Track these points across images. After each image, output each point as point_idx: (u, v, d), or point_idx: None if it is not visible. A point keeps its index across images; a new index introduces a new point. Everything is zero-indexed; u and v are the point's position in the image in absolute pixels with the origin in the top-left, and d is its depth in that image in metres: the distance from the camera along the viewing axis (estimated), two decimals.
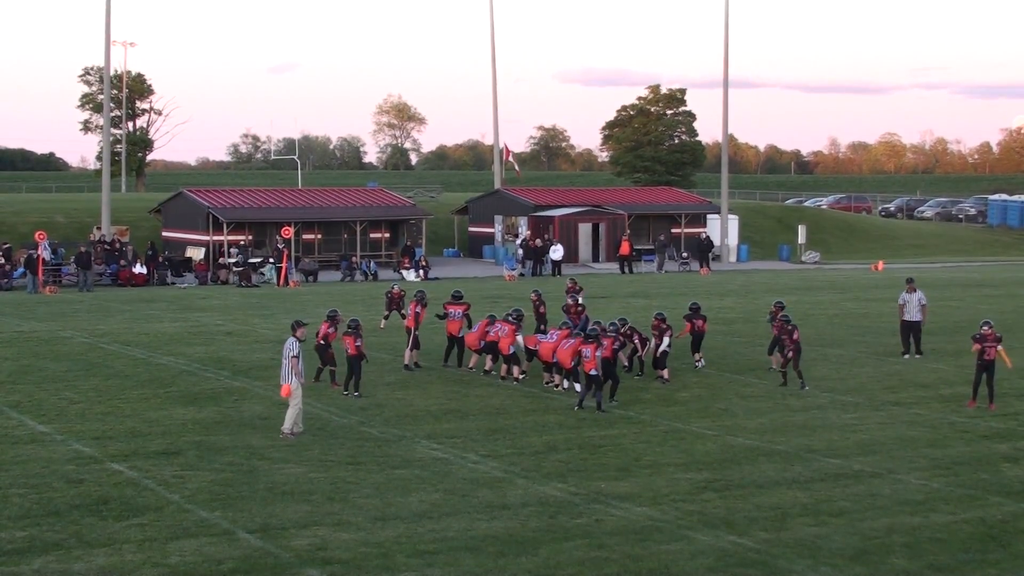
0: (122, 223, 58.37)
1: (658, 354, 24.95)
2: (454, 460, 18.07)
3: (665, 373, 24.84)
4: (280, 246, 51.54)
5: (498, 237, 64.04)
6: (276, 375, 24.93)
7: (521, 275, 54.80)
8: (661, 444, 19.32)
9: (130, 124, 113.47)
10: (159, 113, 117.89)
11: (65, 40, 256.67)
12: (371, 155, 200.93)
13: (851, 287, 48.60)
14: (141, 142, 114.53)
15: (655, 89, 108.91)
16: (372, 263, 54.53)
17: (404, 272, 53.40)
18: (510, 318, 24.80)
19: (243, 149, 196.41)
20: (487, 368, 25.40)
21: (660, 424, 20.87)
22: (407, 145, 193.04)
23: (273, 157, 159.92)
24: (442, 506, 15.48)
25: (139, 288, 47.95)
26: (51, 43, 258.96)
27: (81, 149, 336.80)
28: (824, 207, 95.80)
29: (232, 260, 52.08)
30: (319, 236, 57.93)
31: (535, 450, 18.80)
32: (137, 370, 25.86)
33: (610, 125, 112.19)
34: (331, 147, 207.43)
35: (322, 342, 23.55)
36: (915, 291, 28.88)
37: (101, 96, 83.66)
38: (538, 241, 57.35)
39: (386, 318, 29.61)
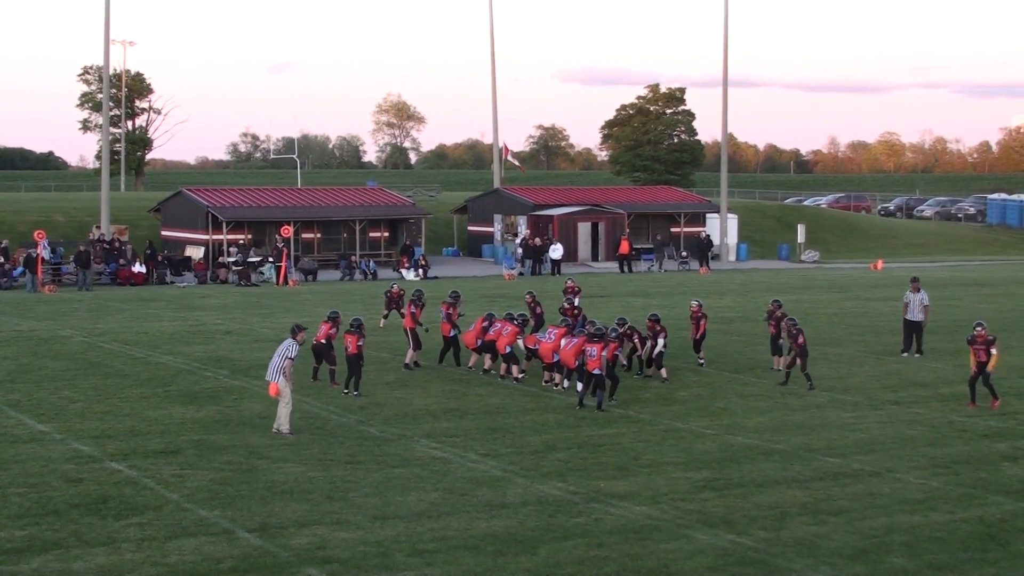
0: (121, 222, 58.38)
1: (654, 355, 24.97)
2: (453, 459, 18.07)
3: (663, 372, 24.85)
4: (279, 245, 51.55)
5: (497, 236, 64.04)
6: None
7: (520, 274, 54.81)
8: (660, 443, 19.32)
9: (129, 123, 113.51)
10: (158, 112, 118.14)
11: (64, 39, 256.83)
12: (370, 154, 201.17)
13: (850, 286, 48.61)
14: (140, 141, 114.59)
15: (654, 88, 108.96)
16: (371, 262, 54.54)
17: (403, 271, 53.41)
18: (515, 320, 24.77)
19: (242, 148, 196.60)
20: (486, 367, 25.40)
21: (659, 423, 20.87)
22: (406, 144, 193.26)
23: (272, 156, 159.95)
24: (441, 505, 15.48)
25: (138, 287, 47.94)
26: (50, 42, 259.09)
27: (80, 148, 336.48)
28: (823, 206, 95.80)
29: (231, 259, 52.07)
30: (318, 235, 57.93)
31: (534, 449, 18.80)
32: (136, 369, 25.86)
33: (609, 124, 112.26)
34: (330, 146, 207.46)
35: (323, 342, 23.55)
36: (919, 291, 28.91)
37: (100, 95, 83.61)
38: (537, 240, 57.35)
39: (385, 317, 29.64)
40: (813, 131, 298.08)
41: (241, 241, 54.03)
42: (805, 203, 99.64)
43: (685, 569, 13.15)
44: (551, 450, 18.75)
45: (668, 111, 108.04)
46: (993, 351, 22.02)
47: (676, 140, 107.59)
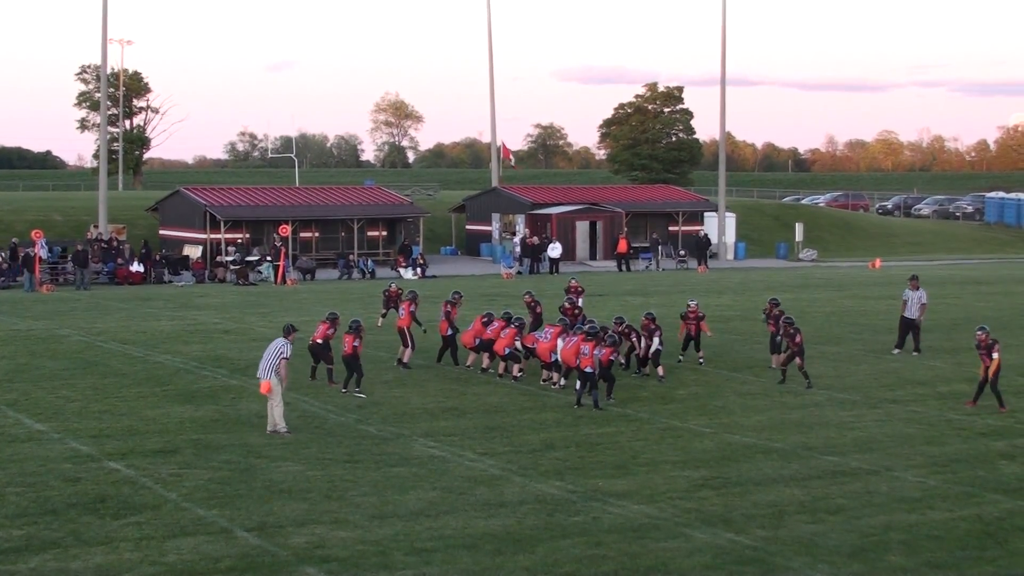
0: (119, 221, 58.35)
1: (650, 354, 24.99)
2: (451, 458, 18.06)
3: (660, 370, 24.85)
4: (277, 244, 51.53)
5: (495, 235, 64.02)
6: None
7: (519, 273, 54.79)
8: (658, 442, 19.32)
9: (127, 122, 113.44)
10: (156, 111, 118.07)
11: (62, 38, 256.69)
12: (368, 153, 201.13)
13: (848, 285, 48.63)
14: (138, 140, 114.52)
15: (652, 87, 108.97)
16: (369, 261, 54.53)
17: (401, 270, 53.40)
18: (514, 323, 24.76)
19: (240, 147, 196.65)
20: (484, 366, 25.39)
21: (657, 422, 20.87)
22: (404, 143, 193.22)
23: (270, 155, 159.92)
24: (439, 504, 15.48)
25: (136, 286, 47.93)
26: (48, 41, 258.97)
27: (78, 147, 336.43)
28: (821, 205, 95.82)
29: (229, 258, 52.05)
30: (316, 234, 57.91)
31: (532, 448, 18.80)
32: (134, 368, 25.85)
33: (607, 123, 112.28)
34: (328, 145, 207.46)
35: (319, 342, 23.55)
36: (917, 288, 28.92)
37: (98, 94, 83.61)
38: (535, 239, 57.34)
39: (383, 316, 29.63)
40: (811, 130, 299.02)
41: (239, 240, 54.01)
42: (803, 202, 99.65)
43: (683, 567, 13.15)
44: (549, 449, 18.76)
45: (666, 110, 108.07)
46: (995, 355, 21.89)
47: (674, 139, 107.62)
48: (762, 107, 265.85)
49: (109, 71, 71.94)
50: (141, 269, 49.95)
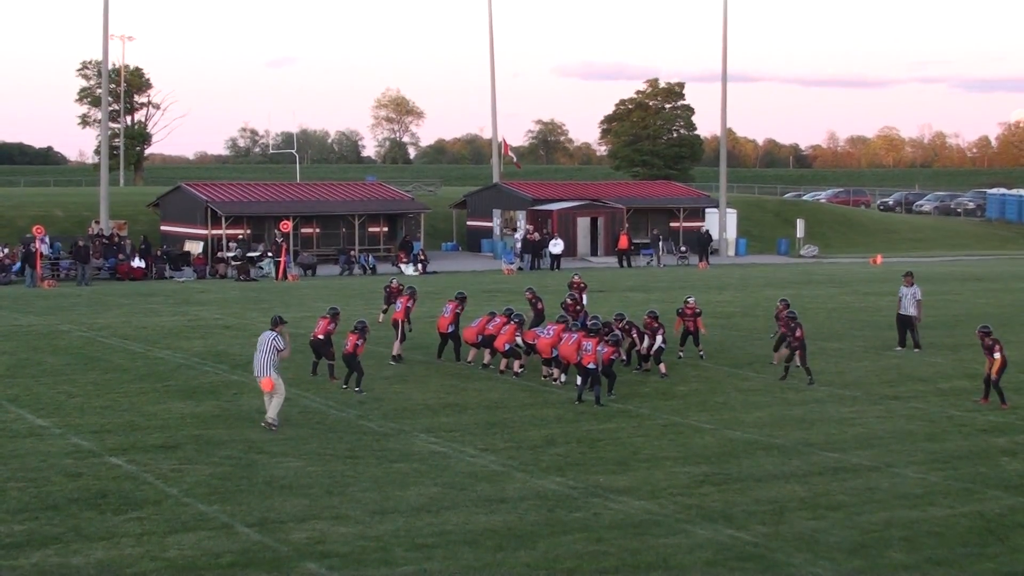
0: (120, 217, 58.34)
1: (652, 351, 24.99)
2: (452, 454, 18.07)
3: (662, 368, 24.86)
4: (278, 240, 51.53)
5: (496, 231, 64.02)
6: None
7: (519, 269, 54.79)
8: (659, 438, 19.33)
9: (128, 118, 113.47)
10: (157, 107, 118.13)
11: (63, 34, 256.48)
12: (369, 149, 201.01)
13: (849, 281, 48.62)
14: (139, 136, 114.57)
15: (653, 83, 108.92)
16: (370, 257, 54.51)
17: (402, 266, 53.40)
18: (514, 319, 24.77)
19: (241, 143, 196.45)
20: (485, 362, 25.41)
21: (658, 418, 20.88)
22: (405, 139, 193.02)
23: (271, 151, 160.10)
24: (440, 500, 15.49)
25: (137, 282, 47.92)
26: (49, 37, 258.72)
27: (79, 143, 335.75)
28: (822, 201, 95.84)
29: (230, 254, 52.06)
30: (317, 230, 57.91)
31: (533, 444, 18.81)
32: (135, 364, 25.86)
33: (608, 119, 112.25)
34: (329, 141, 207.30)
35: (320, 337, 23.56)
36: (912, 285, 28.92)
37: (99, 90, 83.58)
38: (537, 235, 57.33)
39: (384, 312, 29.64)
40: (812, 126, 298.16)
41: (240, 236, 54.01)
42: (804, 198, 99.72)
43: (684, 563, 13.16)
44: (550, 445, 18.76)
45: (667, 106, 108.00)
46: (996, 355, 21.86)
47: (675, 135, 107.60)
48: (763, 103, 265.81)
49: (110, 67, 71.94)
50: (142, 265, 49.96)
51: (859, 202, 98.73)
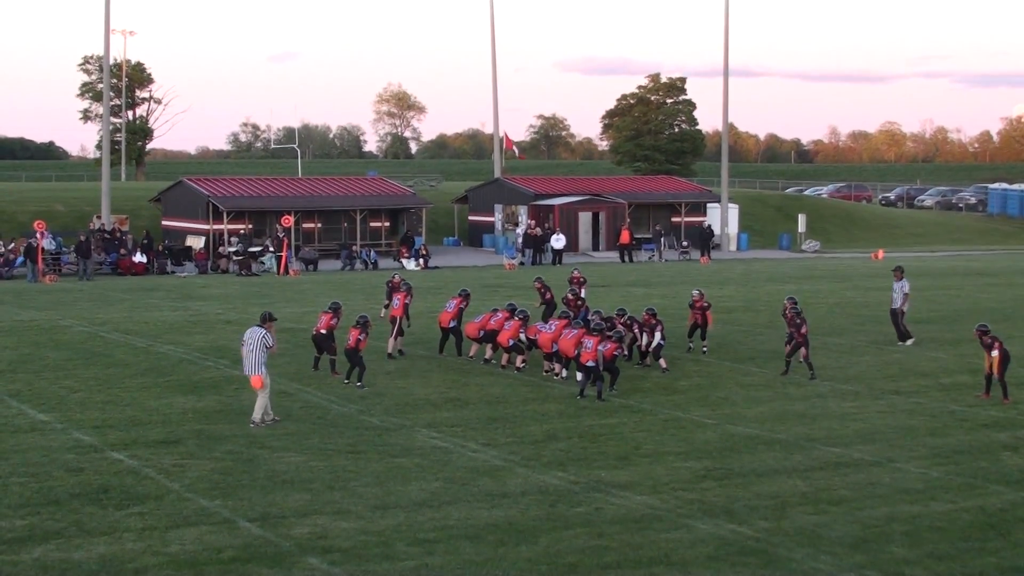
0: (122, 212, 58.34)
1: (652, 348, 24.99)
2: (454, 449, 18.07)
3: (663, 363, 24.85)
4: (280, 235, 51.52)
5: (498, 226, 63.99)
6: (276, 364, 24.96)
7: (521, 264, 54.79)
8: (661, 433, 19.32)
9: (130, 113, 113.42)
10: (159, 102, 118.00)
11: (65, 29, 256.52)
12: (371, 144, 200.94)
13: (851, 276, 48.58)
14: (141, 131, 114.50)
15: (655, 78, 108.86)
16: (372, 252, 54.52)
17: (404, 261, 53.39)
18: (518, 315, 24.77)
19: (243, 138, 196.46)
20: (487, 357, 25.41)
21: (660, 413, 20.87)
22: (407, 134, 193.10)
23: (273, 146, 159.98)
24: (442, 495, 15.49)
25: (139, 277, 47.93)
26: (51, 32, 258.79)
27: (81, 138, 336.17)
28: (824, 196, 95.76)
29: (232, 249, 52.05)
30: (319, 225, 57.90)
31: (535, 439, 18.80)
32: (137, 359, 25.86)
33: (610, 114, 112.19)
34: (331, 136, 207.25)
35: (323, 332, 23.56)
36: (900, 279, 29.02)
37: (101, 85, 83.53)
38: (538, 230, 57.31)
39: (386, 307, 29.61)
40: (814, 121, 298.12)
41: (242, 231, 53.99)
42: (806, 193, 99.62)
43: (686, 559, 13.16)
44: (552, 440, 18.76)
45: (669, 101, 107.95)
46: (994, 352, 21.84)
47: (677, 130, 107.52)
48: (765, 98, 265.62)
49: (112, 62, 71.85)
50: (144, 260, 49.97)
51: (861, 197, 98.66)
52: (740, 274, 49.27)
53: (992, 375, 22.02)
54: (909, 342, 28.53)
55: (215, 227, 54.15)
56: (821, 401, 22.09)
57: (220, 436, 18.59)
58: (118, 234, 52.31)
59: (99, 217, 55.49)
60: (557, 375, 23.87)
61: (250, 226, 54.77)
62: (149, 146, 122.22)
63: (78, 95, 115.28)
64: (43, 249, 46.79)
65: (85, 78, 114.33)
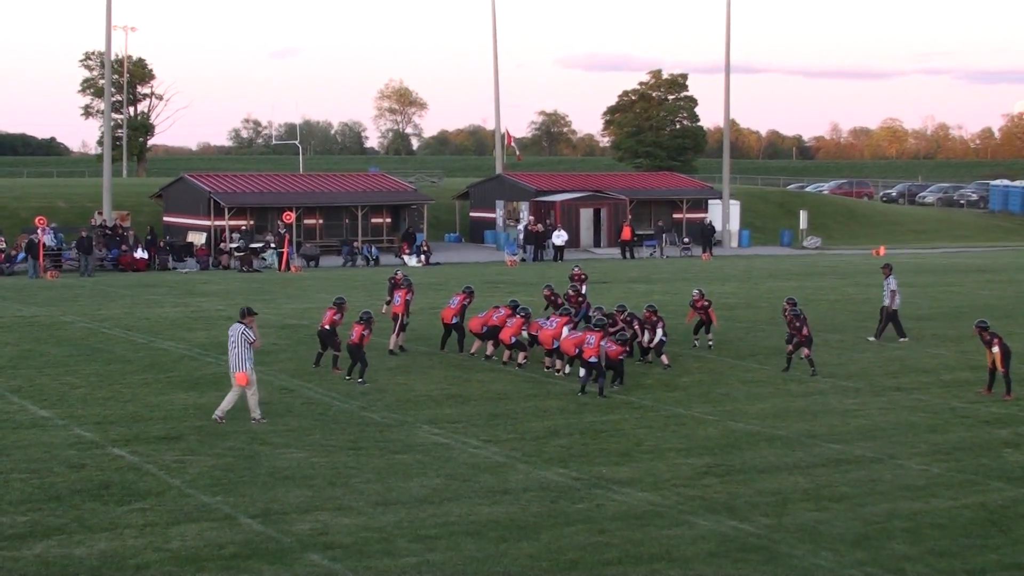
0: (123, 208, 58.37)
1: (653, 344, 24.99)
2: (455, 445, 18.07)
3: (664, 359, 24.85)
4: (281, 231, 51.53)
5: (499, 222, 63.99)
6: (278, 360, 25.02)
7: (522, 260, 54.78)
8: (662, 429, 19.32)
9: (131, 109, 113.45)
10: (160, 98, 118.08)
11: (66, 25, 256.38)
12: (372, 140, 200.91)
13: (852, 272, 48.58)
14: (142, 127, 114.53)
15: (657, 74, 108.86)
16: (373, 248, 54.53)
17: (405, 257, 53.39)
18: (520, 312, 24.75)
19: (244, 134, 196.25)
20: (488, 353, 25.41)
21: (661, 409, 20.87)
22: (408, 130, 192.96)
23: (274, 142, 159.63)
24: (443, 491, 15.49)
25: (140, 273, 47.95)
26: (52, 28, 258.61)
27: (82, 134, 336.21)
28: (825, 192, 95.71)
29: (233, 245, 52.06)
30: (320, 221, 57.92)
31: (536, 435, 18.81)
32: (138, 355, 25.87)
33: (612, 110, 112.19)
34: (332, 132, 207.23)
35: (327, 328, 23.57)
36: (888, 276, 29.10)
37: (102, 81, 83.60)
38: (540, 226, 57.30)
39: (388, 303, 29.60)
40: (815, 117, 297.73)
41: (243, 227, 53.99)
42: (807, 189, 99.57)
43: (687, 555, 13.16)
44: (553, 436, 18.76)
45: (670, 97, 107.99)
46: (995, 348, 21.84)
47: (678, 126, 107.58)
48: (766, 94, 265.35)
49: (113, 58, 71.88)
50: (145, 256, 49.98)
51: (862, 193, 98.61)
52: (741, 271, 49.27)
53: (995, 370, 22.00)
54: (874, 340, 28.54)
55: (216, 223, 54.16)
56: (822, 398, 22.09)
57: (221, 432, 18.59)
58: (119, 230, 52.32)
59: (100, 213, 55.52)
60: (559, 371, 23.87)
61: (251, 222, 54.80)
62: (150, 142, 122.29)
63: (79, 91, 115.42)
64: (44, 245, 46.80)
65: (87, 74, 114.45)
